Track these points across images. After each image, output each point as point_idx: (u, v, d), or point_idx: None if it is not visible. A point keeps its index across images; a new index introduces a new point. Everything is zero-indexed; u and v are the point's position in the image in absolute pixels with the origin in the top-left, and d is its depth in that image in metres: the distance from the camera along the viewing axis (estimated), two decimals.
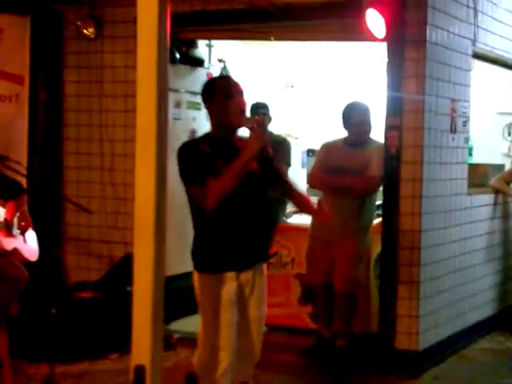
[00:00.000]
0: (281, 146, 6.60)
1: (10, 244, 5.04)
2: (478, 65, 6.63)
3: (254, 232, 3.85)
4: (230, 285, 3.77)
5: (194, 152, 3.77)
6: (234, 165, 3.68)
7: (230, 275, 3.78)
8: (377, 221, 5.99)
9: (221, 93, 3.81)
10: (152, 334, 3.18)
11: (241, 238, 3.82)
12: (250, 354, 3.94)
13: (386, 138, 5.57)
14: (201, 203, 3.72)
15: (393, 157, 5.52)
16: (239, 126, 3.86)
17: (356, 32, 5.65)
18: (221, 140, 3.83)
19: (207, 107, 3.91)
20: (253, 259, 3.88)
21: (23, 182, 5.45)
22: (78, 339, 5.63)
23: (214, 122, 3.89)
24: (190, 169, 3.74)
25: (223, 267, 3.80)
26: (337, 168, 5.73)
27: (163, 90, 3.69)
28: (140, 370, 1.95)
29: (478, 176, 6.76)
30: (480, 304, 6.54)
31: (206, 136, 3.94)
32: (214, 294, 3.76)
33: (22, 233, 5.12)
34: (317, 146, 6.29)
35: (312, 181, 6.05)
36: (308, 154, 8.15)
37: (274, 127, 6.94)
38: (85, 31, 6.49)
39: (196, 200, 3.76)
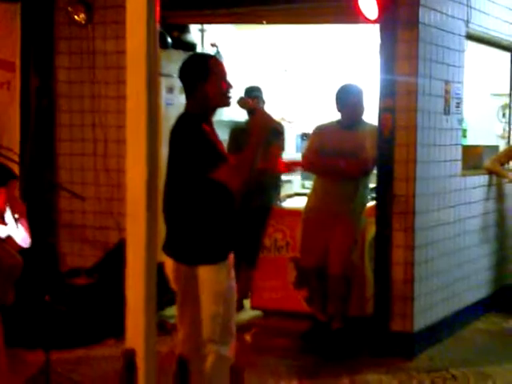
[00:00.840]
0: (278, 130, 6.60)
1: (3, 231, 5.03)
2: (472, 46, 6.60)
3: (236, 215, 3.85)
4: (229, 271, 3.76)
5: (205, 134, 3.64)
6: (251, 147, 3.65)
7: (226, 264, 3.76)
8: (370, 203, 5.99)
9: (216, 72, 3.74)
10: (145, 318, 3.18)
11: (234, 222, 3.82)
12: (233, 334, 3.89)
13: (380, 120, 5.55)
14: (230, 184, 3.61)
15: (386, 139, 5.51)
16: (223, 106, 3.83)
17: (348, 14, 5.63)
18: (205, 120, 3.74)
19: (199, 85, 3.72)
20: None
21: (15, 168, 5.44)
22: (74, 325, 5.63)
23: (200, 101, 3.74)
24: (211, 150, 3.61)
25: (228, 254, 3.77)
26: (330, 150, 5.72)
27: (153, 74, 3.67)
28: (130, 354, 1.95)
29: (473, 157, 6.75)
30: (475, 285, 6.55)
31: (191, 115, 3.76)
32: (228, 280, 3.72)
33: (15, 219, 5.11)
34: (311, 130, 6.28)
35: (306, 164, 6.03)
36: (302, 138, 8.15)
37: (267, 111, 6.91)
38: (76, 17, 6.45)
39: (224, 181, 3.60)
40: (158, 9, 3.52)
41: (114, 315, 5.66)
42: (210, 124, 3.79)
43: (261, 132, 3.67)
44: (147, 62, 3.57)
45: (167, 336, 5.54)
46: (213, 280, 3.72)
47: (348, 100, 5.72)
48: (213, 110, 3.80)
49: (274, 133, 3.75)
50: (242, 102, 3.87)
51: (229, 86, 3.78)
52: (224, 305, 3.74)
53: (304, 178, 7.44)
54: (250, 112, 3.80)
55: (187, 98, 3.83)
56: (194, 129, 3.68)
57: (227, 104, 3.81)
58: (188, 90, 3.80)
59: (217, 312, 3.72)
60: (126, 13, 3.56)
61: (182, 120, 3.79)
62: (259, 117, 3.72)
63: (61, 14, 6.54)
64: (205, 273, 3.73)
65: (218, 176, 3.60)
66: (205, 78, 3.72)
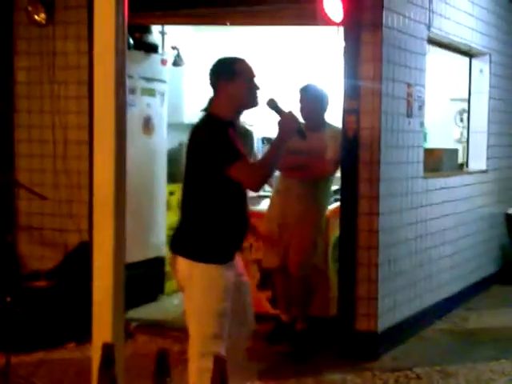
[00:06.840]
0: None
1: None
2: (431, 50, 6.67)
3: (246, 219, 3.88)
4: (231, 273, 3.77)
5: (227, 133, 3.67)
6: (275, 148, 3.72)
7: (232, 263, 3.79)
8: (334, 205, 6.01)
9: (244, 73, 3.79)
10: (113, 313, 3.14)
11: (241, 225, 3.84)
12: (248, 337, 4.03)
13: (344, 122, 5.57)
14: (246, 181, 3.66)
15: (351, 140, 5.53)
16: (251, 107, 3.85)
17: (312, 16, 5.63)
18: (231, 123, 3.77)
19: (223, 86, 3.77)
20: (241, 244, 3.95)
21: None
22: (34, 328, 5.54)
23: (224, 102, 3.77)
24: (230, 148, 3.63)
25: (231, 256, 3.80)
26: (294, 151, 5.71)
27: (121, 73, 3.64)
28: (108, 348, 1.91)
29: (433, 160, 6.82)
30: (436, 286, 6.61)
31: (216, 118, 3.76)
32: (222, 283, 3.70)
33: None
34: (272, 134, 6.25)
35: None
36: (263, 142, 8.12)
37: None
38: (36, 17, 6.34)
39: (240, 178, 3.63)
40: (126, 7, 3.49)
41: (74, 318, 5.60)
42: (234, 128, 3.79)
43: (288, 132, 3.75)
44: (116, 61, 3.55)
45: (130, 339, 5.50)
46: (201, 279, 3.71)
47: (303, 99, 5.76)
48: (238, 112, 3.84)
49: (299, 134, 3.83)
50: (271, 103, 3.89)
51: (256, 87, 3.82)
52: (226, 303, 3.75)
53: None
54: (278, 112, 3.85)
55: (212, 99, 3.83)
56: (216, 128, 3.70)
57: (254, 104, 3.85)
58: (213, 91, 3.83)
59: (208, 312, 3.71)
60: (94, 11, 3.52)
61: (206, 121, 3.79)
62: (287, 117, 3.78)
63: (20, 14, 6.43)
64: (216, 270, 3.71)
65: (234, 173, 3.62)
66: (229, 78, 3.76)
